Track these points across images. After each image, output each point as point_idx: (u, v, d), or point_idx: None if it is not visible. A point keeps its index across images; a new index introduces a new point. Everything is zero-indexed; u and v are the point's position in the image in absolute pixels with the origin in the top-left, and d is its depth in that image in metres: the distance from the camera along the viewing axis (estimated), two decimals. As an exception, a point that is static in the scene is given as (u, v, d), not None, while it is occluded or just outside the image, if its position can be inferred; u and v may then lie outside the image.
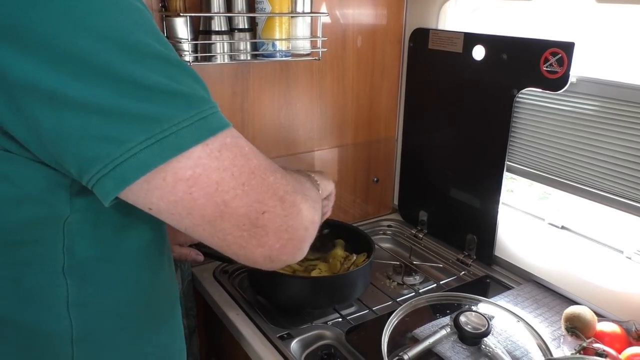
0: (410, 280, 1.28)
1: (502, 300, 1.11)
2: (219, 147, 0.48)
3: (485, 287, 1.21)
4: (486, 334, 0.86)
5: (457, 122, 1.29)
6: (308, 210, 0.57)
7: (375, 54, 1.37)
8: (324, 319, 1.10)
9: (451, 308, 1.03)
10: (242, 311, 1.08)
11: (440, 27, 1.31)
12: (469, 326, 0.87)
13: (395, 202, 1.57)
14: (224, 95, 1.16)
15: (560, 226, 1.18)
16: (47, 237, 0.52)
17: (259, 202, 0.51)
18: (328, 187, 0.93)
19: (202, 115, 0.47)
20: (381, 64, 1.39)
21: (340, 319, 1.09)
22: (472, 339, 0.88)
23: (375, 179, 1.51)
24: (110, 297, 0.59)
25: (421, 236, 1.43)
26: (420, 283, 1.27)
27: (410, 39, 1.36)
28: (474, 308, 1.01)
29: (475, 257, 1.29)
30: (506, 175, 1.19)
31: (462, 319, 0.88)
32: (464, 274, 1.28)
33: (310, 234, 0.58)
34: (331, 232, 1.28)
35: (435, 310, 1.04)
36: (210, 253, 1.13)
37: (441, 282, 1.25)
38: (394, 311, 0.99)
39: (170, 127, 0.45)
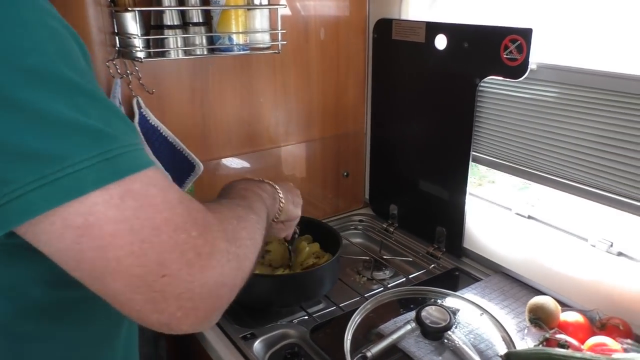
0: (379, 275, 1.26)
1: (469, 292, 1.10)
2: (121, 193, 0.41)
3: (454, 280, 1.20)
4: (448, 327, 0.85)
5: (423, 113, 1.27)
6: (229, 273, 0.48)
7: (340, 46, 1.35)
8: (291, 317, 1.08)
9: (416, 302, 1.01)
10: (205, 312, 1.06)
11: (404, 16, 1.29)
12: (430, 321, 0.85)
13: (367, 196, 1.55)
14: (183, 91, 1.13)
15: (527, 216, 1.17)
16: None
17: (158, 264, 0.43)
18: (293, 212, 0.89)
19: (109, 155, 0.41)
20: (346, 57, 1.37)
21: (306, 317, 1.07)
22: (435, 334, 0.87)
23: (345, 173, 1.49)
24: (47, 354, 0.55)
25: (392, 230, 1.42)
26: (391, 277, 1.25)
27: (374, 30, 1.34)
28: (439, 302, 1.00)
29: (445, 249, 1.28)
30: (483, 167, 1.18)
31: (424, 313, 0.86)
32: (433, 267, 1.26)
33: (226, 300, 0.49)
34: (299, 228, 1.26)
35: (400, 305, 1.03)
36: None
37: (410, 276, 1.24)
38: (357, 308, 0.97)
39: (65, 167, 0.39)
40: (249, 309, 1.09)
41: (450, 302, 1.00)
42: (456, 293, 1.03)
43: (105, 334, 0.63)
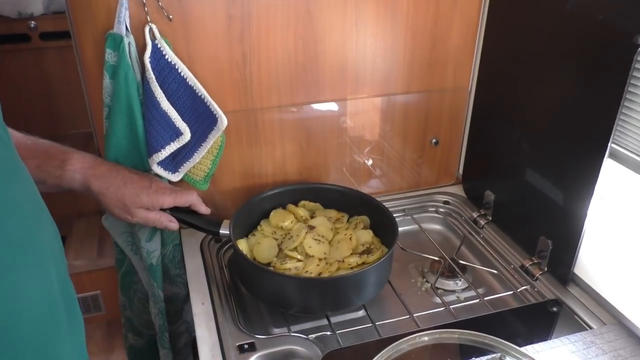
0: (448, 284, 0.96)
1: (563, 346, 0.76)
2: None
3: (548, 319, 0.86)
4: None
5: (550, 76, 0.88)
6: None
7: (445, -31, 0.98)
8: (310, 326, 0.85)
9: (468, 354, 0.71)
10: (210, 302, 0.87)
11: None
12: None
13: (461, 171, 1.21)
14: (217, 20, 0.88)
15: (683, 252, 0.77)
16: None
17: None
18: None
19: None
20: (453, -15, 1.00)
21: (328, 333, 0.83)
22: None
23: (435, 141, 1.16)
24: None
25: (483, 223, 1.08)
26: (462, 290, 0.95)
27: (499, -52, 0.94)
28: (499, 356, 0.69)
29: (546, 268, 0.93)
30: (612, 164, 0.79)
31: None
32: (525, 289, 0.92)
33: None
34: (354, 208, 1.00)
35: (442, 353, 0.74)
36: (188, 221, 0.92)
37: (487, 298, 0.92)
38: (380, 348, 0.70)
39: None
40: (267, 307, 0.89)
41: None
42: (527, 353, 0.70)
43: None
